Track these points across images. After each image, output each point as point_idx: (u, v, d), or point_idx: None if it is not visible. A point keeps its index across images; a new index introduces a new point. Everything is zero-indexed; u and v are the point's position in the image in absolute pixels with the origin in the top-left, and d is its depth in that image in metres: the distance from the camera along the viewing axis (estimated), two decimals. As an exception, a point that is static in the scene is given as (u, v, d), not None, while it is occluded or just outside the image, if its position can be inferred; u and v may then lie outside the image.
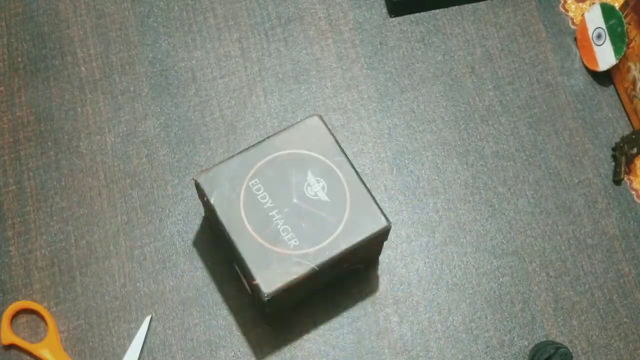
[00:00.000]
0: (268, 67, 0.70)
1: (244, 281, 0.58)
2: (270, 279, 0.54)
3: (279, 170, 0.57)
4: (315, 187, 0.56)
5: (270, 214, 0.55)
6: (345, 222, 0.55)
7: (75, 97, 0.68)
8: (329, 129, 0.58)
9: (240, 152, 0.57)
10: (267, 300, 0.53)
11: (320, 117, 0.59)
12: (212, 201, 0.55)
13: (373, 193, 0.67)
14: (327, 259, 0.54)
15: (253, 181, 0.56)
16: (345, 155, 0.58)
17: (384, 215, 0.56)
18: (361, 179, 0.57)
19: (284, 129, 0.58)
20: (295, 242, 0.54)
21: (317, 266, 0.54)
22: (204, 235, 0.64)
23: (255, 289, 0.54)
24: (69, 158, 0.66)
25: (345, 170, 0.57)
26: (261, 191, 0.56)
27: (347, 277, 0.64)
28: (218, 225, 0.56)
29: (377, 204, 0.57)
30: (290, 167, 0.57)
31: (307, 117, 0.59)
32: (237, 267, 0.58)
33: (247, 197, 0.56)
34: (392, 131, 0.69)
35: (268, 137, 0.58)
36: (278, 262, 0.54)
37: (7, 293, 0.61)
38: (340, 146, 0.58)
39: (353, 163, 0.65)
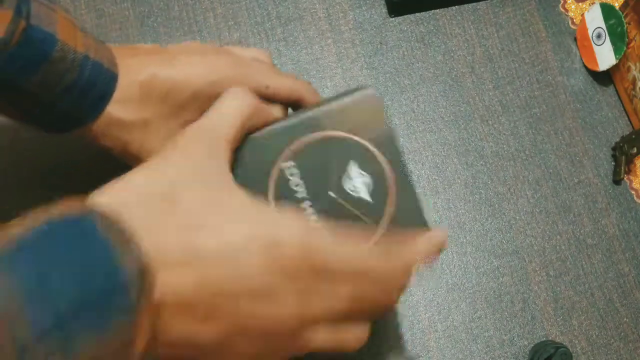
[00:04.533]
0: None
1: None
2: None
3: (320, 155, 0.48)
4: (357, 182, 0.48)
5: (301, 205, 0.48)
6: (381, 231, 0.48)
7: (76, 97, 0.68)
8: (385, 112, 0.49)
9: (273, 125, 0.49)
10: None
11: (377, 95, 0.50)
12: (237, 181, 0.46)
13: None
14: None
15: (288, 163, 0.48)
16: (399, 149, 0.49)
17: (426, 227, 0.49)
18: (410, 181, 0.49)
19: (334, 101, 0.49)
20: None
21: None
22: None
23: None
24: (70, 157, 0.66)
25: (396, 168, 0.49)
26: (296, 177, 0.48)
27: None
28: None
29: (424, 216, 0.49)
30: (333, 152, 0.48)
31: (362, 90, 0.49)
32: None
33: (277, 182, 0.48)
34: (392, 131, 0.69)
35: (311, 109, 0.49)
36: None
37: (7, 293, 0.61)
38: (395, 138, 0.49)
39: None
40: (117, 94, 0.53)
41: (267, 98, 0.58)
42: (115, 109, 0.53)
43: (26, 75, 0.49)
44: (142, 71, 0.54)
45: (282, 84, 0.58)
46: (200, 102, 0.55)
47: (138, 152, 0.55)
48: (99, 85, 0.52)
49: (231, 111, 0.47)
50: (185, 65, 0.55)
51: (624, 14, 0.69)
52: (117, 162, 0.65)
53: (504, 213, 0.67)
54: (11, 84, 0.49)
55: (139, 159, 0.56)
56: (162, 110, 0.54)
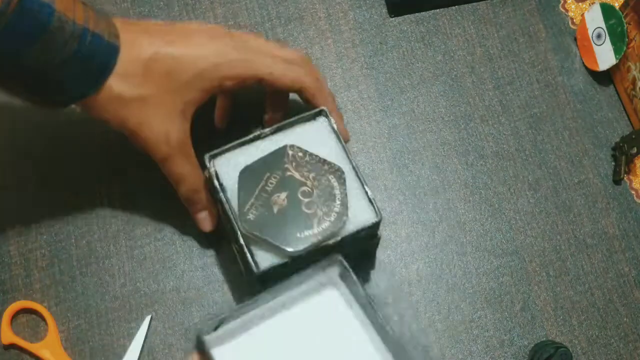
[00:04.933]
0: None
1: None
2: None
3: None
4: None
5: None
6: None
7: (75, 97, 0.68)
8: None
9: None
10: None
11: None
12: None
13: (372, 192, 0.67)
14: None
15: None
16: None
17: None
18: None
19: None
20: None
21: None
22: (204, 235, 0.64)
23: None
24: (70, 157, 0.66)
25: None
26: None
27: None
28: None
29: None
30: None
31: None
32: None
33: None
34: (392, 131, 0.69)
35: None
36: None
37: (7, 293, 0.61)
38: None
39: (352, 163, 0.65)
40: (119, 68, 0.53)
41: (271, 84, 0.58)
42: (116, 83, 0.53)
43: (25, 46, 0.49)
44: (147, 48, 0.54)
45: (285, 74, 0.58)
46: (204, 83, 0.56)
47: (137, 130, 0.55)
48: (99, 57, 0.52)
49: None
50: (191, 46, 0.55)
51: (624, 14, 0.69)
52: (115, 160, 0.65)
53: (504, 213, 0.67)
54: (11, 55, 0.49)
55: (138, 136, 0.56)
56: (164, 88, 0.54)
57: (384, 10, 0.73)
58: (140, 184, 0.65)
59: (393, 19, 0.73)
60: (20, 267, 0.62)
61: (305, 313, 0.53)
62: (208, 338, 0.50)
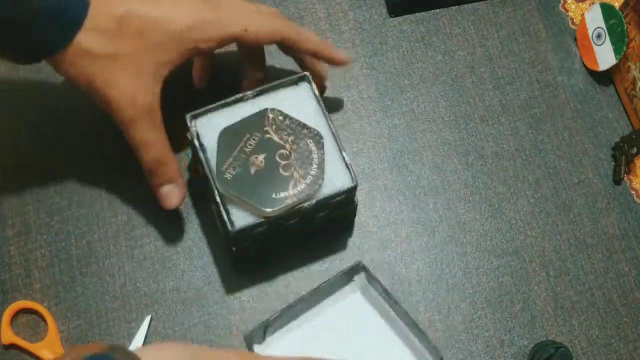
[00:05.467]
0: (268, 66, 0.70)
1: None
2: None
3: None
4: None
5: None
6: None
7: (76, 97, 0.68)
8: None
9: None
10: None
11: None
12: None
13: (373, 193, 0.67)
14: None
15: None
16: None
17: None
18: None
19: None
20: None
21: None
22: (204, 235, 0.64)
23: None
24: (70, 157, 0.66)
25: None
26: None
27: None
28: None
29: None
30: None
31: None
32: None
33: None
34: (392, 131, 0.69)
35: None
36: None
37: (7, 293, 0.61)
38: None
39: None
40: (89, 23, 0.52)
41: (248, 42, 0.57)
42: (85, 39, 0.52)
43: None
44: (118, 5, 0.53)
45: (262, 27, 0.57)
46: (176, 44, 0.55)
47: (104, 88, 0.54)
48: (69, 11, 0.51)
49: None
50: (165, 6, 0.55)
51: (624, 14, 0.69)
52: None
53: (504, 213, 0.67)
54: None
55: (104, 95, 0.54)
56: (135, 46, 0.53)
57: (384, 10, 0.73)
58: (140, 184, 0.65)
59: (393, 19, 0.73)
60: (20, 267, 0.62)
61: (336, 316, 0.60)
62: (257, 347, 0.57)
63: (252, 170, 0.56)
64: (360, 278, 0.60)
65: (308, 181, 0.56)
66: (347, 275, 0.60)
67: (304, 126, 0.58)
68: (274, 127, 0.58)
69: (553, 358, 0.60)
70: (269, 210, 0.55)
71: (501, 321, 0.63)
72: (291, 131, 0.58)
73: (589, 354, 0.63)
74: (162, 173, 0.58)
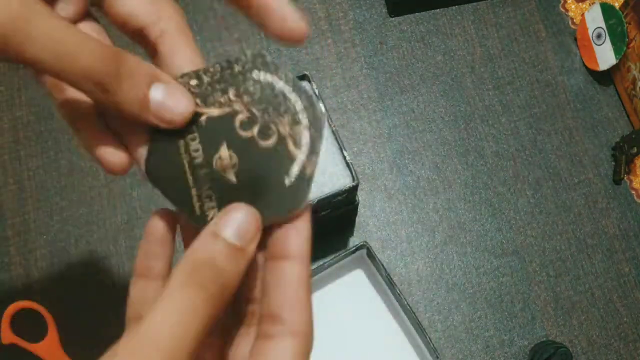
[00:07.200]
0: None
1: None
2: None
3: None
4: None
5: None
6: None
7: (75, 97, 0.68)
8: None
9: None
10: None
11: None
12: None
13: (373, 193, 0.67)
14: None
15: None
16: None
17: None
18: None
19: None
20: None
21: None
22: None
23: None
24: (69, 158, 0.66)
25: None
26: None
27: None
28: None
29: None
30: None
31: None
32: None
33: None
34: (392, 131, 0.69)
35: None
36: None
37: (7, 293, 0.61)
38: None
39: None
40: None
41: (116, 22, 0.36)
42: None
43: None
44: None
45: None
46: None
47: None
48: None
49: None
50: None
51: (624, 14, 0.69)
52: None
53: (504, 213, 0.67)
54: None
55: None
56: None
57: (384, 10, 0.73)
58: (140, 183, 0.65)
59: (393, 19, 0.73)
60: (20, 267, 0.62)
61: (336, 290, 0.61)
62: None
63: (229, 175, 0.36)
64: (363, 257, 0.61)
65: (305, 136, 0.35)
66: (352, 256, 0.60)
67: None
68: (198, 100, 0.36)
69: (553, 358, 0.60)
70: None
71: (501, 321, 0.63)
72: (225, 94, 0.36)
73: (589, 354, 0.63)
74: (137, 84, 0.33)
